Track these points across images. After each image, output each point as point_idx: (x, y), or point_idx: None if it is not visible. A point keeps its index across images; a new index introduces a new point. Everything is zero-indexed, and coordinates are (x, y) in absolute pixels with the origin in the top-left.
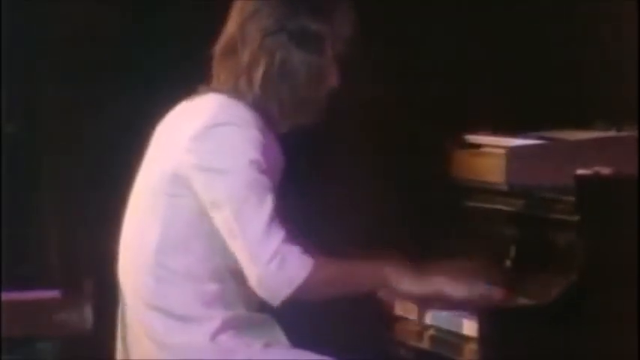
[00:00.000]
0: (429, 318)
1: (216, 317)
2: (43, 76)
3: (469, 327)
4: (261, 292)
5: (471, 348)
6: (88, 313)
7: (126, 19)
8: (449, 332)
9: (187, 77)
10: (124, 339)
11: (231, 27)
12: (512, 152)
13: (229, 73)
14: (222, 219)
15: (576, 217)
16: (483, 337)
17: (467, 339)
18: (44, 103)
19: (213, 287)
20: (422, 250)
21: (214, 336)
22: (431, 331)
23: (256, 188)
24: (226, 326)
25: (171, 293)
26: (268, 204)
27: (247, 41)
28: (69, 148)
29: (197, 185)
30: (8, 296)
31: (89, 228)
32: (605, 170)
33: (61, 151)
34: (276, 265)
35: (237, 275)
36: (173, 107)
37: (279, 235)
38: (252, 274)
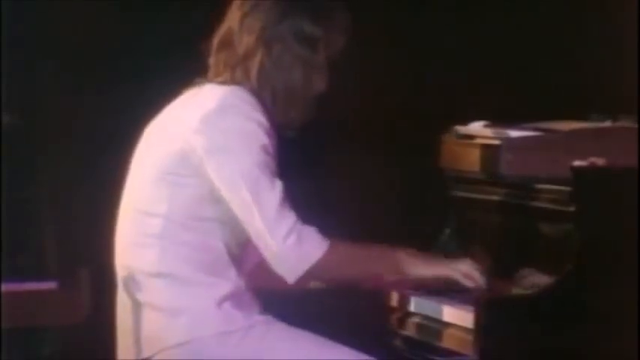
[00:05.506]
0: (413, 305)
1: (220, 284)
2: (42, 67)
3: (450, 314)
4: (278, 268)
5: (452, 334)
6: (85, 304)
7: (126, 17)
8: (432, 319)
9: (187, 73)
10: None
11: (229, 21)
12: (508, 143)
13: (226, 65)
14: (238, 198)
15: (572, 208)
16: (481, 326)
17: (449, 325)
18: (43, 93)
19: (215, 260)
20: (417, 242)
21: (220, 302)
22: (415, 319)
23: (266, 169)
24: (230, 295)
25: (176, 261)
26: (279, 185)
27: (245, 33)
28: (67, 140)
29: (209, 166)
30: (6, 287)
31: (86, 219)
32: (601, 161)
33: (58, 142)
34: (294, 241)
35: (234, 256)
36: (172, 102)
37: (292, 213)
38: (270, 250)
